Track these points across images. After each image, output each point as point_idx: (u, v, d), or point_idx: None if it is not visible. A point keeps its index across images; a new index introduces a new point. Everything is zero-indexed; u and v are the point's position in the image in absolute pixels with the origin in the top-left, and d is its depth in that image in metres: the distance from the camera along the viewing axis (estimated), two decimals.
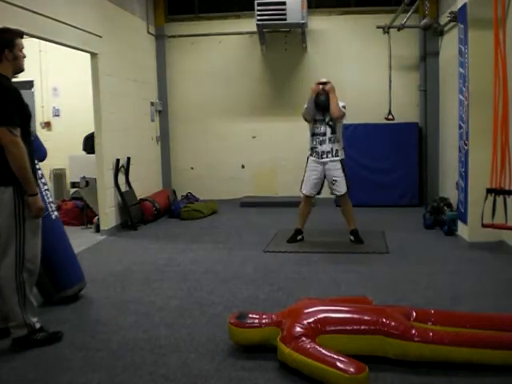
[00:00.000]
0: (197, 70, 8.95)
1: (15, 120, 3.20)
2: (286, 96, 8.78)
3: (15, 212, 3.26)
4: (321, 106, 5.80)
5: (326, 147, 5.80)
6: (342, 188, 5.80)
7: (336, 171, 5.79)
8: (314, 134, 5.89)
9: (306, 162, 5.96)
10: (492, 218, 4.81)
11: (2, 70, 3.29)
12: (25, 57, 3.44)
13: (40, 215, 3.36)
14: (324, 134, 5.81)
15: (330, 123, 5.80)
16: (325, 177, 5.86)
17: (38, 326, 3.39)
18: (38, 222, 3.42)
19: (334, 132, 5.80)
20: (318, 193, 6.04)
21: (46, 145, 4.52)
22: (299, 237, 6.04)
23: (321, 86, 5.82)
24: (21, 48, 3.40)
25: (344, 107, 5.84)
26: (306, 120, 5.93)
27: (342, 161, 5.83)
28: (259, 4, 7.94)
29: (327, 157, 5.79)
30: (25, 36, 5.03)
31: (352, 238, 5.92)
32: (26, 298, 3.33)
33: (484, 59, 5.16)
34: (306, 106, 5.87)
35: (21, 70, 3.44)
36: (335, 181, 5.80)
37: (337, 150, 5.80)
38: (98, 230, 6.83)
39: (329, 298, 3.76)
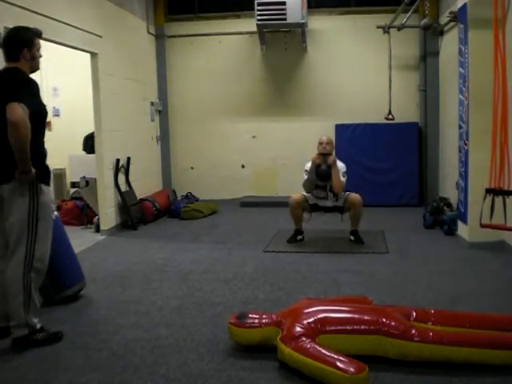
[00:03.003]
0: (197, 70, 8.96)
1: (25, 101, 3.14)
2: (285, 96, 8.79)
3: (29, 211, 3.26)
4: (323, 176, 5.72)
5: (328, 203, 5.85)
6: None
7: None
8: (314, 195, 5.87)
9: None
10: (490, 219, 4.81)
11: (18, 67, 3.32)
12: (41, 56, 3.47)
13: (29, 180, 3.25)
14: (325, 198, 5.84)
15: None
16: None
17: (38, 326, 3.38)
18: (50, 222, 3.43)
19: (335, 195, 5.79)
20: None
21: (46, 145, 4.49)
22: (299, 237, 6.03)
23: (321, 158, 5.72)
24: (38, 48, 3.44)
25: (345, 173, 5.74)
26: (306, 191, 5.87)
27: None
28: (259, 4, 7.94)
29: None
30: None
31: (352, 237, 5.92)
32: (31, 298, 3.33)
33: (484, 59, 5.16)
34: (305, 176, 5.76)
35: (37, 69, 3.46)
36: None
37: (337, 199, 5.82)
38: (98, 229, 6.83)
39: (329, 298, 3.76)
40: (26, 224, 3.26)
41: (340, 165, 5.75)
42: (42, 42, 6.14)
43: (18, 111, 3.07)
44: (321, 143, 5.80)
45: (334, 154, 5.88)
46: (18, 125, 3.07)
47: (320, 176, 5.73)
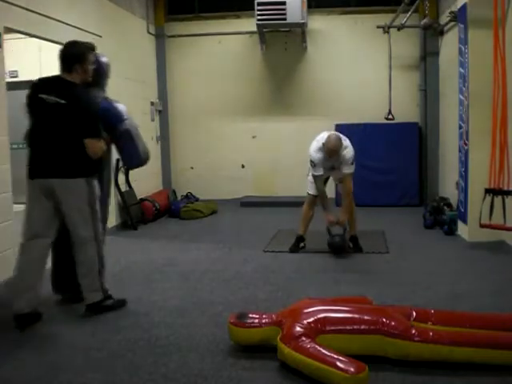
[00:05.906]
0: (197, 70, 8.96)
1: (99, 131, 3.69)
2: (285, 96, 8.79)
3: (89, 198, 3.65)
4: (337, 248, 5.53)
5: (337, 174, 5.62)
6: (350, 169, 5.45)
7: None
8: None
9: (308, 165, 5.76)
10: (490, 218, 4.82)
11: (73, 79, 3.61)
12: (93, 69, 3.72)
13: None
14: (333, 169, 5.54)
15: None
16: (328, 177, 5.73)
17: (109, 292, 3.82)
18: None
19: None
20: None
21: None
22: (301, 244, 5.77)
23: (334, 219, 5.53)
24: (91, 62, 3.66)
25: (352, 159, 5.35)
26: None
27: None
28: (259, 4, 7.94)
29: None
30: (24, 36, 5.08)
31: (351, 244, 5.70)
32: (103, 267, 3.74)
33: (484, 59, 5.16)
34: (315, 173, 5.40)
35: (88, 81, 3.69)
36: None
37: None
38: None
39: (329, 298, 3.76)
40: (88, 205, 3.64)
41: (348, 155, 5.31)
42: (41, 41, 6.17)
43: (99, 148, 3.63)
44: (330, 155, 5.24)
45: (343, 152, 5.31)
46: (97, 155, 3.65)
47: (332, 246, 5.55)
